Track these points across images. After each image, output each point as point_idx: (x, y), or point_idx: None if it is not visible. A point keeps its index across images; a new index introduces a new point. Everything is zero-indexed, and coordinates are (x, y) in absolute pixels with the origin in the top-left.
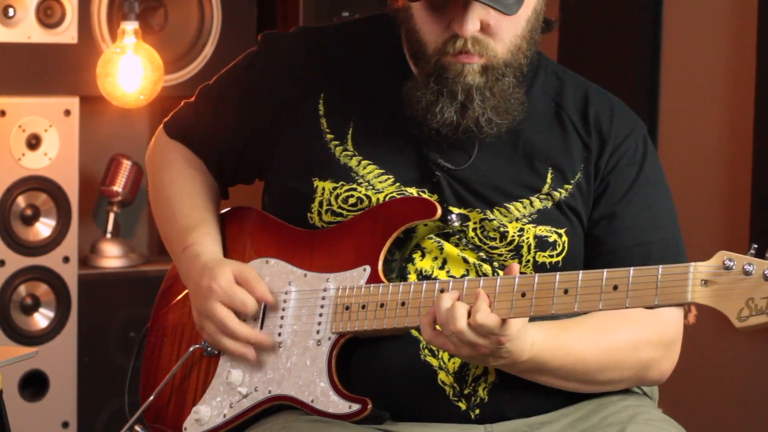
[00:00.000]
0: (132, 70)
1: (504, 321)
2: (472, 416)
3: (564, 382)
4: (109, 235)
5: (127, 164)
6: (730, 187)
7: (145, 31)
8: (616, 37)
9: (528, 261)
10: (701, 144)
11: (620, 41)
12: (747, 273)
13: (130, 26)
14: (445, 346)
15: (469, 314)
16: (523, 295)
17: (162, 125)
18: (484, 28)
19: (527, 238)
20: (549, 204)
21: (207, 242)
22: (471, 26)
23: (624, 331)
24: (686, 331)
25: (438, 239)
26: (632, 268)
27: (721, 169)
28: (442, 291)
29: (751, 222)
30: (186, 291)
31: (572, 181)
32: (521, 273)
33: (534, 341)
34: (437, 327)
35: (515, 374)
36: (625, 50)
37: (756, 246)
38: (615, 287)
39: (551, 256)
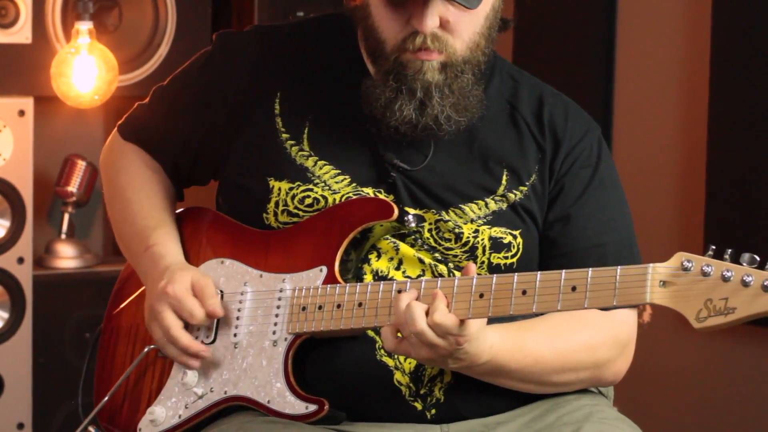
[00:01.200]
0: (86, 70)
1: (462, 321)
2: (428, 416)
3: (522, 384)
4: (63, 236)
5: (81, 164)
6: (684, 188)
7: (99, 31)
8: (570, 38)
9: (483, 262)
10: (655, 145)
11: (575, 42)
12: (705, 274)
13: (84, 26)
14: (407, 352)
15: (427, 314)
16: (481, 296)
17: (116, 128)
18: (444, 24)
19: (482, 240)
20: (504, 205)
21: (170, 243)
22: (431, 22)
23: (581, 332)
24: (641, 330)
25: (394, 240)
26: (590, 269)
27: (675, 169)
28: (399, 291)
29: (706, 222)
30: (140, 290)
31: (527, 183)
32: (477, 274)
33: (492, 344)
34: (398, 335)
35: (474, 377)
36: (580, 51)
37: (714, 247)
38: (573, 288)
39: (506, 258)
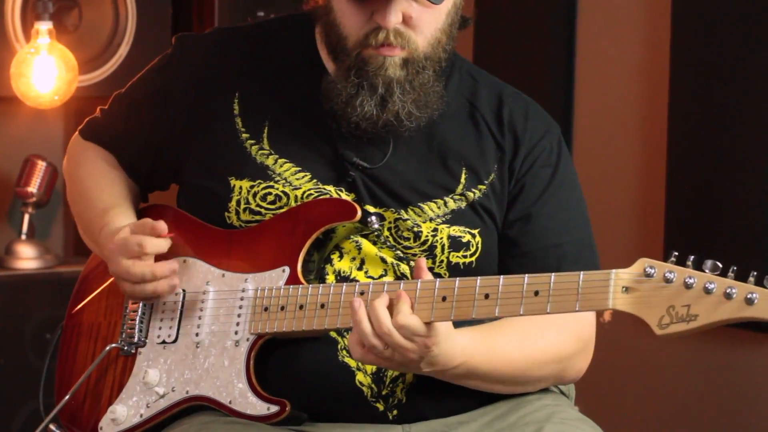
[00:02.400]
0: (46, 71)
1: (429, 324)
2: (390, 417)
3: (491, 385)
4: (23, 237)
5: (41, 165)
6: (644, 190)
7: (59, 31)
8: (531, 38)
9: (442, 261)
10: (616, 147)
11: (535, 42)
12: (668, 281)
13: (44, 26)
14: (377, 361)
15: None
16: (444, 299)
17: (77, 132)
18: (406, 20)
19: (441, 239)
20: (463, 204)
21: (120, 220)
22: (394, 18)
23: (547, 333)
24: (602, 331)
25: (356, 239)
26: (554, 274)
27: (635, 171)
28: (362, 293)
29: (666, 225)
30: (101, 288)
31: (486, 182)
32: (435, 274)
33: (464, 346)
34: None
35: (446, 380)
36: (540, 51)
37: (676, 253)
38: (536, 293)
39: (465, 257)
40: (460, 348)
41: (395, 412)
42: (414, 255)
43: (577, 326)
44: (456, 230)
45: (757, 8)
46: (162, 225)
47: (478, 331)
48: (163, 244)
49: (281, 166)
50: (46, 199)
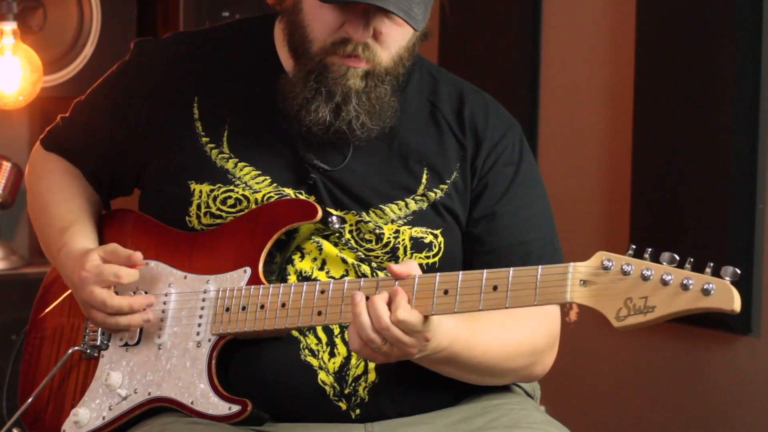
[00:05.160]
0: (11, 71)
1: (426, 318)
2: (353, 416)
3: (466, 374)
4: None
5: (6, 166)
6: (610, 188)
7: (23, 32)
8: (496, 39)
9: None
10: (581, 146)
11: (501, 43)
12: (625, 273)
13: (8, 26)
14: (372, 356)
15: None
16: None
17: (39, 141)
18: (376, 35)
19: (403, 240)
20: (424, 205)
21: (78, 240)
22: (367, 33)
23: (522, 325)
24: (569, 330)
25: (317, 239)
26: (512, 268)
27: (601, 169)
28: (323, 292)
29: (631, 222)
30: (65, 294)
31: (448, 181)
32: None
33: (450, 328)
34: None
35: (423, 365)
36: (506, 52)
37: (634, 246)
38: (495, 287)
39: (428, 257)
40: (447, 331)
41: (358, 411)
42: (377, 257)
43: (548, 322)
44: (418, 231)
45: (719, 10)
46: (138, 256)
47: (462, 318)
48: (137, 275)
49: (241, 170)
50: (11, 200)
